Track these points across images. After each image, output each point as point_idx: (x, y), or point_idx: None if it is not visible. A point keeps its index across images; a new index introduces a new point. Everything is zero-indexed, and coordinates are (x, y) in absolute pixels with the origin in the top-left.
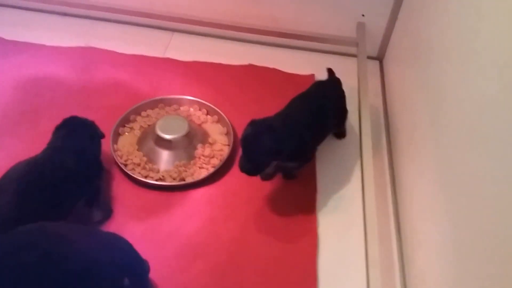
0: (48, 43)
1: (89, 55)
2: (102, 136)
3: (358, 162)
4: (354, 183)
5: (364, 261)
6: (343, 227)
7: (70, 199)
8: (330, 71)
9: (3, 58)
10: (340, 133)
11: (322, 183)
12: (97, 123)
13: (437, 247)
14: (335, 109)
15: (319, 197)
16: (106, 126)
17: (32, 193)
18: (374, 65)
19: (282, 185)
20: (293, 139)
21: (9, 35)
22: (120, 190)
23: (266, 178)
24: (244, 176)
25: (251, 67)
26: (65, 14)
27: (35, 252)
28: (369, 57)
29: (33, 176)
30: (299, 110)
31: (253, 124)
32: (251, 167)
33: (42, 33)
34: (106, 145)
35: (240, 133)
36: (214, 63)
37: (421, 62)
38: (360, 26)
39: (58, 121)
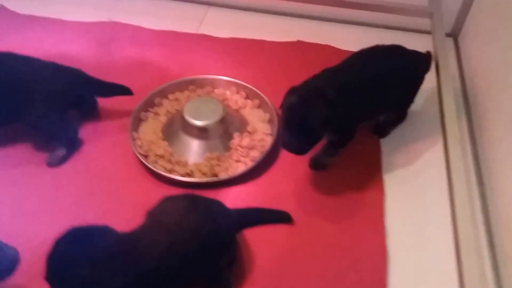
0: (66, 17)
1: (112, 31)
2: None
3: (437, 158)
4: (435, 184)
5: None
6: (418, 239)
7: None
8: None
9: (17, 33)
10: (384, 128)
11: (390, 183)
12: (117, 106)
13: None
14: (400, 87)
15: (387, 200)
16: (126, 110)
17: None
18: (447, 43)
19: (339, 180)
20: (345, 108)
21: (23, 9)
22: (140, 187)
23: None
24: (290, 170)
25: (299, 44)
26: None
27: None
28: None
29: None
30: (354, 71)
31: (296, 90)
32: (300, 144)
33: (60, 7)
34: (124, 132)
35: None
36: (256, 39)
37: None
38: None
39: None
